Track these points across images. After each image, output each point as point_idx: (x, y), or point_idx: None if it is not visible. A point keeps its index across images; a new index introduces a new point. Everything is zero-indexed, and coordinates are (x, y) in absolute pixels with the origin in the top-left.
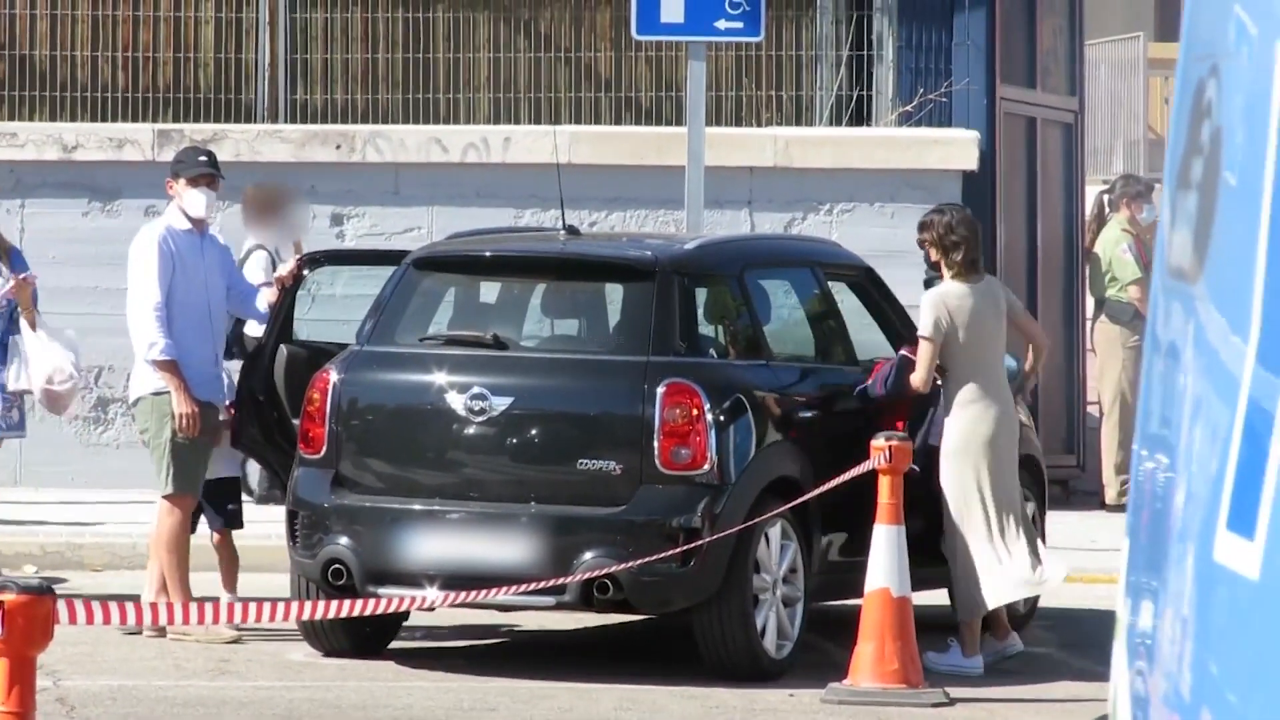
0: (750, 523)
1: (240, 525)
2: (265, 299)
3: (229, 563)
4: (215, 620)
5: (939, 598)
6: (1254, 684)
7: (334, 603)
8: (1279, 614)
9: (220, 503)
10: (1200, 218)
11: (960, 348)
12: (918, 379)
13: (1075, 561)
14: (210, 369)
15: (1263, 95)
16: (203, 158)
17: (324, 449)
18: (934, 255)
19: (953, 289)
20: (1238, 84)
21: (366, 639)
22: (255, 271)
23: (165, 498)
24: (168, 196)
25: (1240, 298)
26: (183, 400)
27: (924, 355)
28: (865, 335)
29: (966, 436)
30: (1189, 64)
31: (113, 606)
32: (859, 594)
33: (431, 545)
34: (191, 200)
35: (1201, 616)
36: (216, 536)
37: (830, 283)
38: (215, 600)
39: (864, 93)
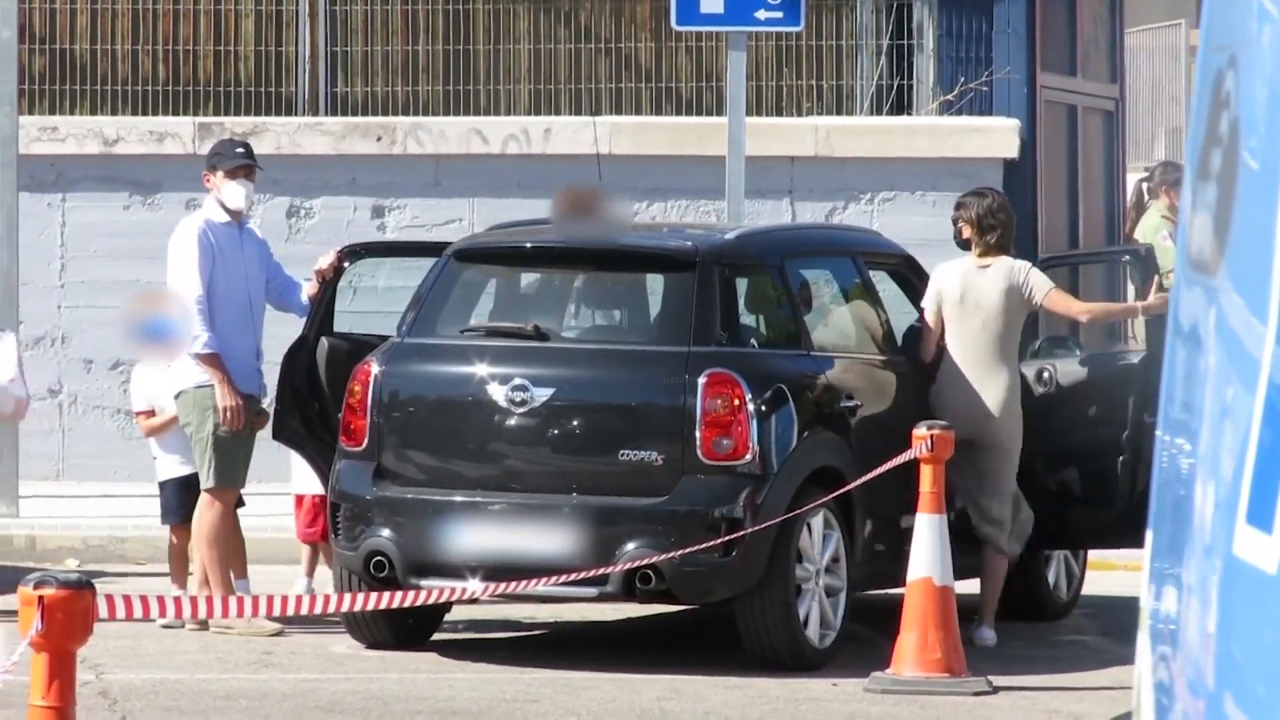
0: (793, 513)
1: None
2: (306, 292)
3: (180, 559)
4: (255, 613)
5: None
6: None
7: (376, 595)
8: None
9: (180, 499)
10: (1220, 207)
11: (961, 321)
12: (921, 349)
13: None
14: (251, 361)
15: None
16: (239, 149)
17: (365, 441)
18: (966, 233)
19: (957, 265)
20: (1258, 69)
21: (409, 631)
22: None
23: (207, 491)
24: (207, 190)
25: (1259, 281)
26: (227, 393)
27: (925, 327)
28: (906, 324)
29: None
30: (1208, 55)
31: (152, 600)
32: (901, 583)
33: (473, 537)
34: (230, 192)
35: (1223, 607)
36: (174, 533)
37: (871, 272)
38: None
39: (904, 82)
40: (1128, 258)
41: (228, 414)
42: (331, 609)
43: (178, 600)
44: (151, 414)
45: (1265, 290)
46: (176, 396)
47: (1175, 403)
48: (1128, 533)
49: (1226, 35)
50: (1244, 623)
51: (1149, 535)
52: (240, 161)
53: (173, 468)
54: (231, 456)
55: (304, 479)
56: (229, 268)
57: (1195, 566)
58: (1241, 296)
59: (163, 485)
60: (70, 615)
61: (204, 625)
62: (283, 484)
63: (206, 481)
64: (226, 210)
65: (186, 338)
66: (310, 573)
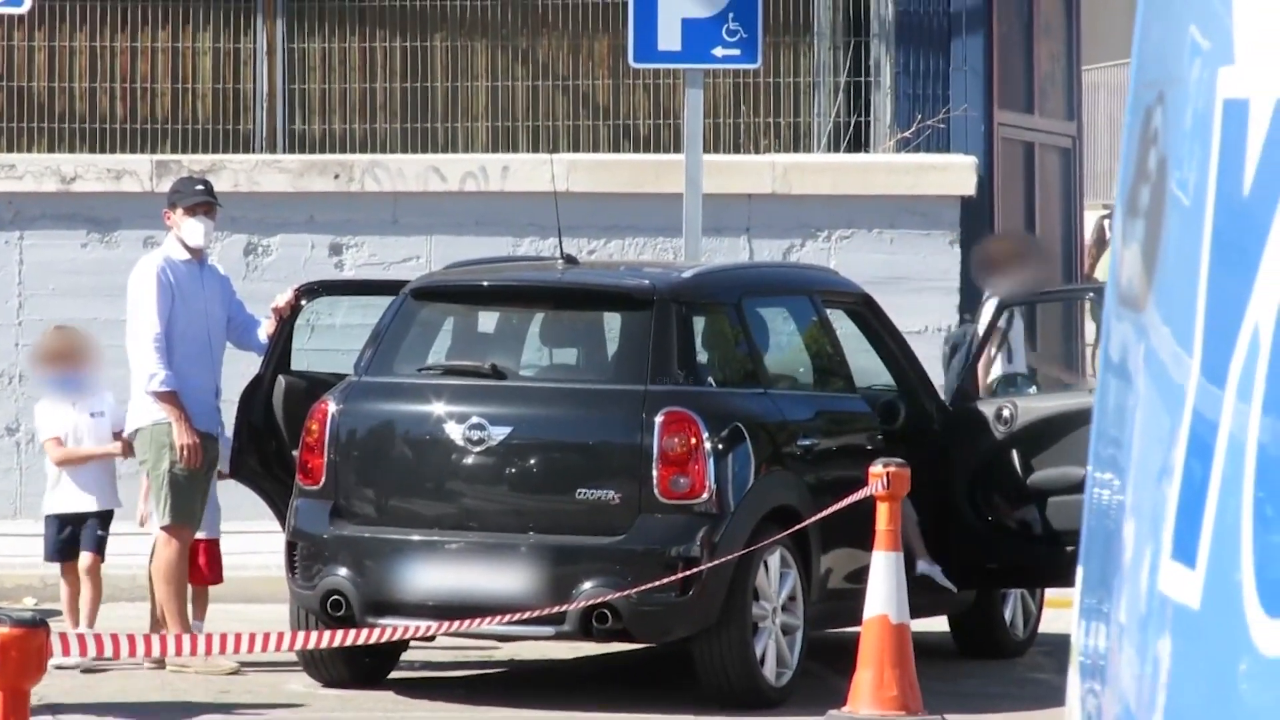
0: (749, 550)
1: (103, 556)
2: (266, 330)
3: (95, 591)
4: (209, 652)
5: (938, 624)
6: (1202, 713)
7: (333, 633)
8: (1221, 646)
9: (92, 530)
10: (1148, 241)
11: None
12: None
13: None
14: (210, 400)
15: (1207, 114)
16: (199, 186)
17: (323, 479)
18: None
19: None
20: (1187, 103)
21: (366, 669)
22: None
23: (163, 529)
24: (166, 227)
25: (1186, 313)
26: (184, 431)
27: None
28: (864, 362)
29: None
30: (1138, 91)
31: (106, 639)
32: (858, 621)
33: (430, 575)
34: (190, 229)
35: (1150, 642)
36: (87, 562)
37: (829, 310)
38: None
39: (862, 119)
40: (1091, 295)
41: (184, 452)
42: (286, 647)
43: (131, 638)
44: (61, 441)
45: (1191, 322)
46: (133, 434)
47: (1105, 438)
48: None
49: (1156, 71)
50: (1170, 658)
51: (1079, 570)
52: (200, 199)
53: (61, 502)
54: (189, 494)
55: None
56: (188, 305)
57: (1123, 602)
58: (1169, 328)
59: (50, 519)
60: (25, 654)
61: (161, 663)
62: (243, 521)
63: (163, 519)
64: (186, 248)
65: (90, 390)
66: (200, 615)
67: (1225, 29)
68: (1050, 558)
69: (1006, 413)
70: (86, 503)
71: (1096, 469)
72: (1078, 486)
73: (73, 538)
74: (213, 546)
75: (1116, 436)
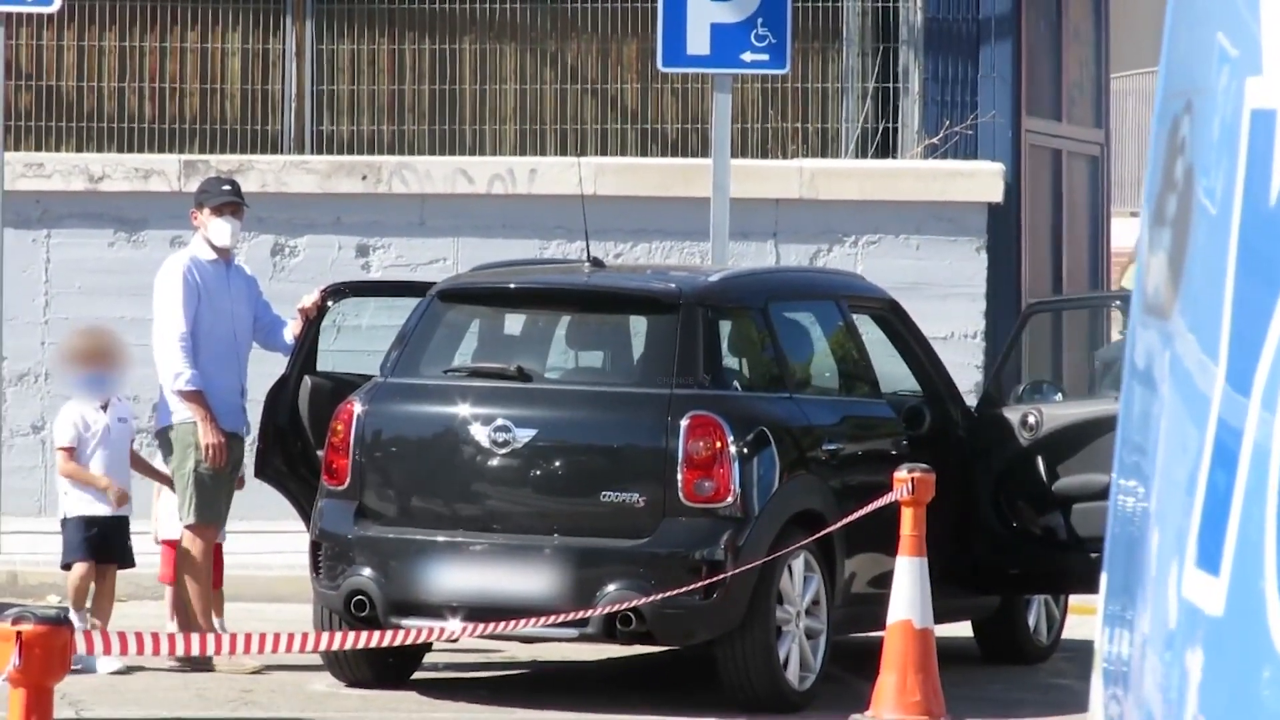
0: (774, 555)
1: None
2: (292, 331)
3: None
4: (233, 651)
5: (961, 630)
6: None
7: (357, 634)
8: (1244, 653)
9: (83, 536)
10: (1174, 249)
11: None
12: None
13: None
14: (235, 400)
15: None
16: (226, 187)
17: (348, 480)
18: None
19: None
20: (1215, 112)
21: (389, 669)
22: None
23: (188, 528)
24: (193, 227)
25: (1212, 321)
26: (209, 431)
27: None
28: (890, 367)
29: None
30: (1165, 101)
31: (130, 636)
32: (881, 626)
33: (455, 577)
34: (216, 229)
35: (1173, 649)
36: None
37: (855, 315)
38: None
39: (890, 125)
40: (1118, 303)
41: (210, 451)
42: (311, 647)
43: (156, 636)
44: (72, 454)
45: (1217, 330)
46: (159, 433)
47: (1130, 445)
48: None
49: (1184, 81)
50: (1193, 665)
51: (1103, 577)
52: (227, 199)
53: (81, 505)
54: (213, 494)
55: (168, 524)
56: (214, 305)
57: (1146, 609)
58: (1195, 336)
59: (65, 522)
60: (48, 651)
61: (189, 663)
62: (267, 521)
63: (187, 518)
64: (213, 248)
65: (117, 386)
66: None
67: (1253, 39)
68: (1074, 564)
69: (1032, 419)
70: (102, 508)
71: (1121, 476)
72: (1102, 493)
73: (100, 537)
74: (215, 550)
75: (1141, 444)
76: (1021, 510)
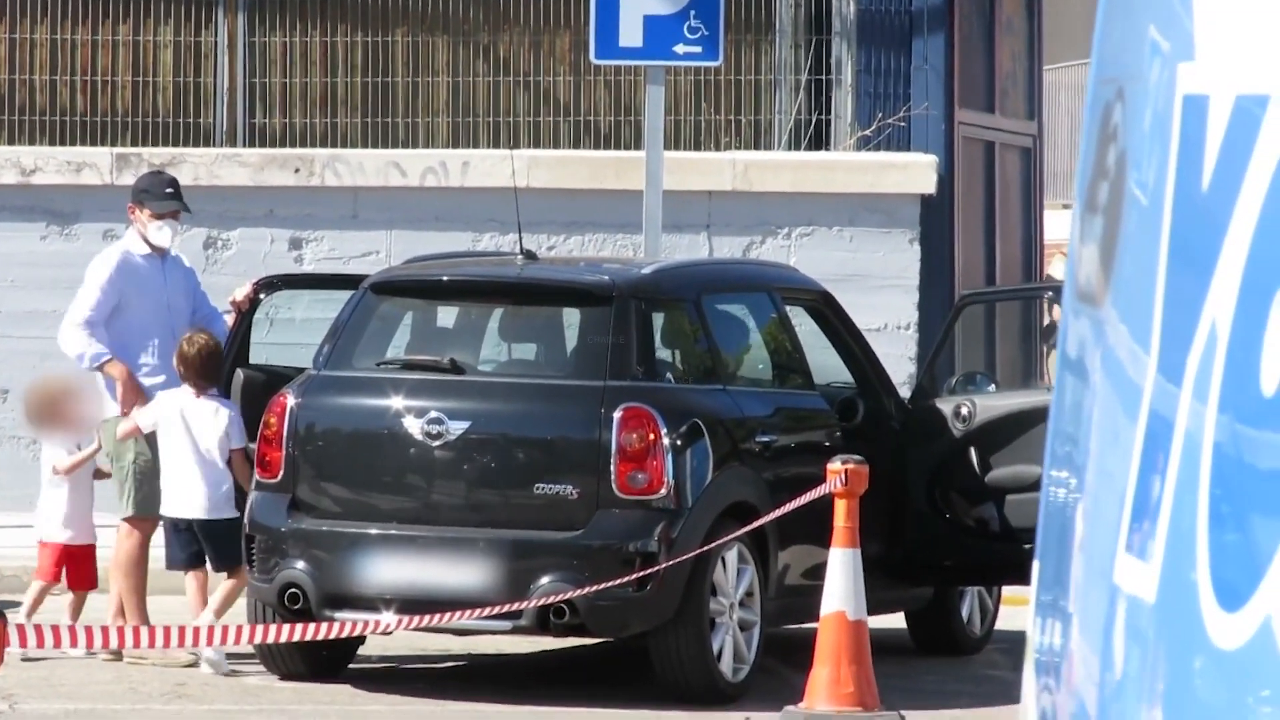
0: (707, 547)
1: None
2: (227, 323)
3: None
4: (167, 644)
5: (895, 621)
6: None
7: (291, 626)
8: (1175, 638)
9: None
10: (1106, 238)
11: None
12: None
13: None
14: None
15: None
16: (169, 189)
17: (281, 473)
18: None
19: None
20: (1146, 102)
21: (323, 662)
22: None
23: (125, 520)
24: (127, 220)
25: (1144, 310)
26: (127, 390)
27: None
28: (823, 359)
29: None
30: (1097, 87)
31: (64, 630)
32: (815, 618)
33: (388, 569)
34: (157, 232)
35: (1105, 637)
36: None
37: (788, 307)
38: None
39: (823, 117)
40: (1050, 294)
41: (126, 407)
42: (245, 640)
43: (89, 629)
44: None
45: (1148, 319)
46: (101, 425)
47: (1062, 436)
48: None
49: (1115, 68)
50: (1124, 652)
51: (1035, 567)
52: (170, 206)
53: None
54: (152, 486)
55: (49, 526)
56: (148, 298)
57: (1078, 597)
58: (1126, 325)
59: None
60: None
61: (118, 655)
62: None
63: (125, 510)
64: (150, 245)
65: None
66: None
67: (1186, 25)
68: (1008, 555)
69: (965, 410)
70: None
71: (1053, 467)
72: (1035, 484)
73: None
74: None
75: (1073, 434)
76: (955, 501)
